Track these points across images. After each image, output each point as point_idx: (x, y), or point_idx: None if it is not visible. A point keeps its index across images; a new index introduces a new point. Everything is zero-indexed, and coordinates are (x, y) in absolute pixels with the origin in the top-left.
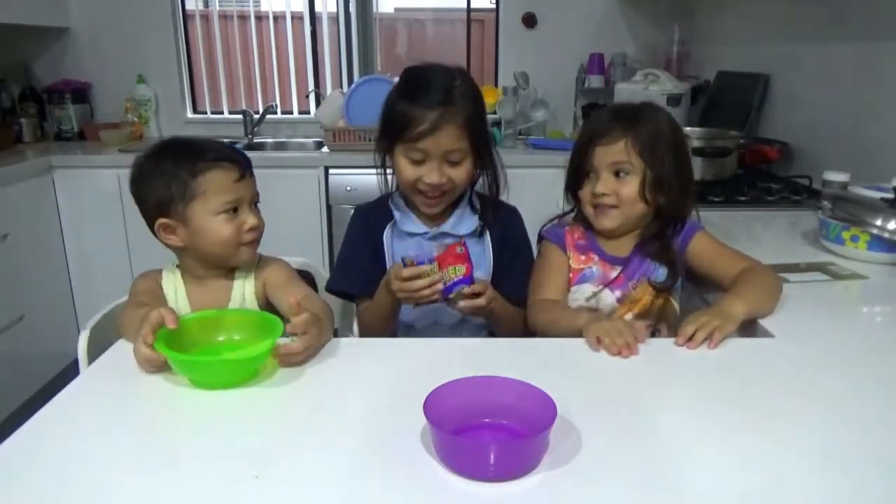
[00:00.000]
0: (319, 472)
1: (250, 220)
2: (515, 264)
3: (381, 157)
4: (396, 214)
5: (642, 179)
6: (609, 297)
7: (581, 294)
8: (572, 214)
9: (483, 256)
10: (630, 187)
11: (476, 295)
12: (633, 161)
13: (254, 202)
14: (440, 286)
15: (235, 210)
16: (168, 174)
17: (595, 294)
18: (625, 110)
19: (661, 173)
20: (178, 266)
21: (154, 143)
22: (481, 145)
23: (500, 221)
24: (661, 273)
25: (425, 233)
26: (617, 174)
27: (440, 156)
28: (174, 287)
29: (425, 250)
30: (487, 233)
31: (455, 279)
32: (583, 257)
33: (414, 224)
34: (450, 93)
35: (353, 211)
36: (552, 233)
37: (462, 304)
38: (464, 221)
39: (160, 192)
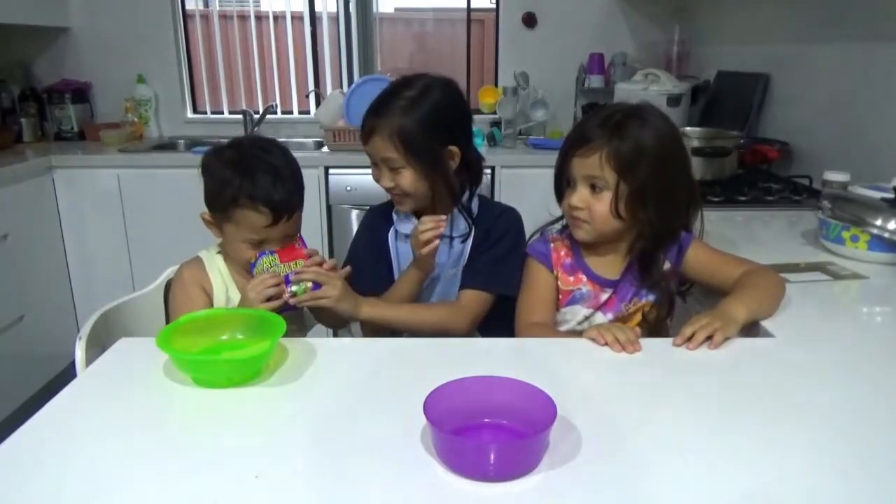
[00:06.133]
0: (319, 472)
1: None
2: (484, 254)
3: None
4: (395, 217)
5: (615, 195)
6: (601, 319)
7: (573, 316)
8: (558, 224)
9: (461, 256)
10: (602, 203)
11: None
12: (606, 176)
13: (286, 235)
14: (278, 279)
15: (261, 243)
16: (222, 185)
17: (587, 318)
18: (611, 117)
19: (639, 189)
20: (218, 252)
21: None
22: (422, 157)
23: (489, 220)
24: (650, 295)
25: None
26: (593, 187)
27: (380, 161)
28: (219, 272)
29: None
30: (472, 235)
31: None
32: (571, 278)
33: (412, 226)
34: (387, 104)
35: (365, 213)
36: (536, 250)
37: (306, 297)
38: (457, 224)
39: (212, 192)
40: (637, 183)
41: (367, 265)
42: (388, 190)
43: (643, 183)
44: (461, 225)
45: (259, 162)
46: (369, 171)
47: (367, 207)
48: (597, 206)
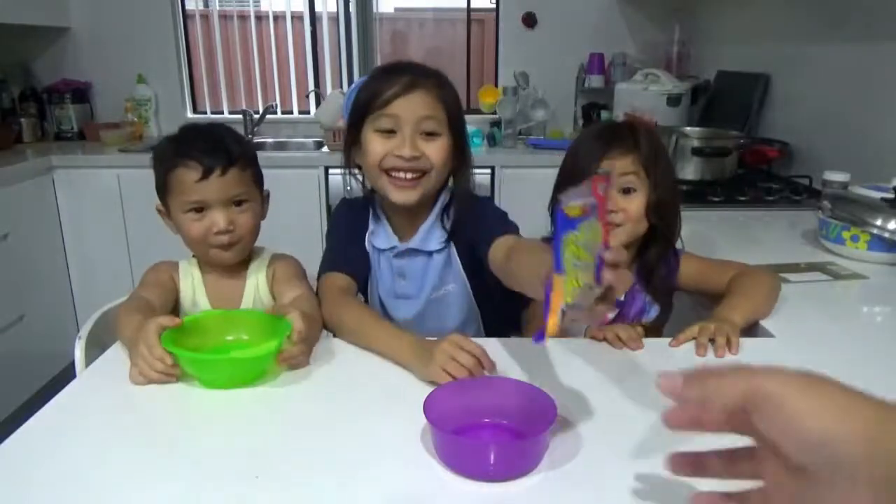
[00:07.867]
0: (319, 473)
1: (218, 223)
2: (474, 227)
3: (346, 156)
4: (371, 225)
5: (647, 197)
6: None
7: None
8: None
9: (450, 267)
10: (636, 204)
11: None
12: (641, 175)
13: (232, 202)
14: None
15: (203, 209)
16: (160, 161)
17: None
18: (623, 125)
19: (660, 193)
20: (194, 256)
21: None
22: (457, 132)
23: (468, 225)
24: (653, 311)
25: (393, 248)
26: (625, 191)
27: (413, 123)
28: (191, 277)
29: (582, 191)
30: (453, 245)
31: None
32: None
33: (386, 238)
34: (424, 69)
35: (337, 204)
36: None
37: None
38: (432, 236)
39: (156, 177)
40: (658, 185)
41: (348, 255)
42: (405, 162)
43: (662, 186)
44: (435, 236)
45: (186, 130)
46: None
47: None
48: (631, 208)
